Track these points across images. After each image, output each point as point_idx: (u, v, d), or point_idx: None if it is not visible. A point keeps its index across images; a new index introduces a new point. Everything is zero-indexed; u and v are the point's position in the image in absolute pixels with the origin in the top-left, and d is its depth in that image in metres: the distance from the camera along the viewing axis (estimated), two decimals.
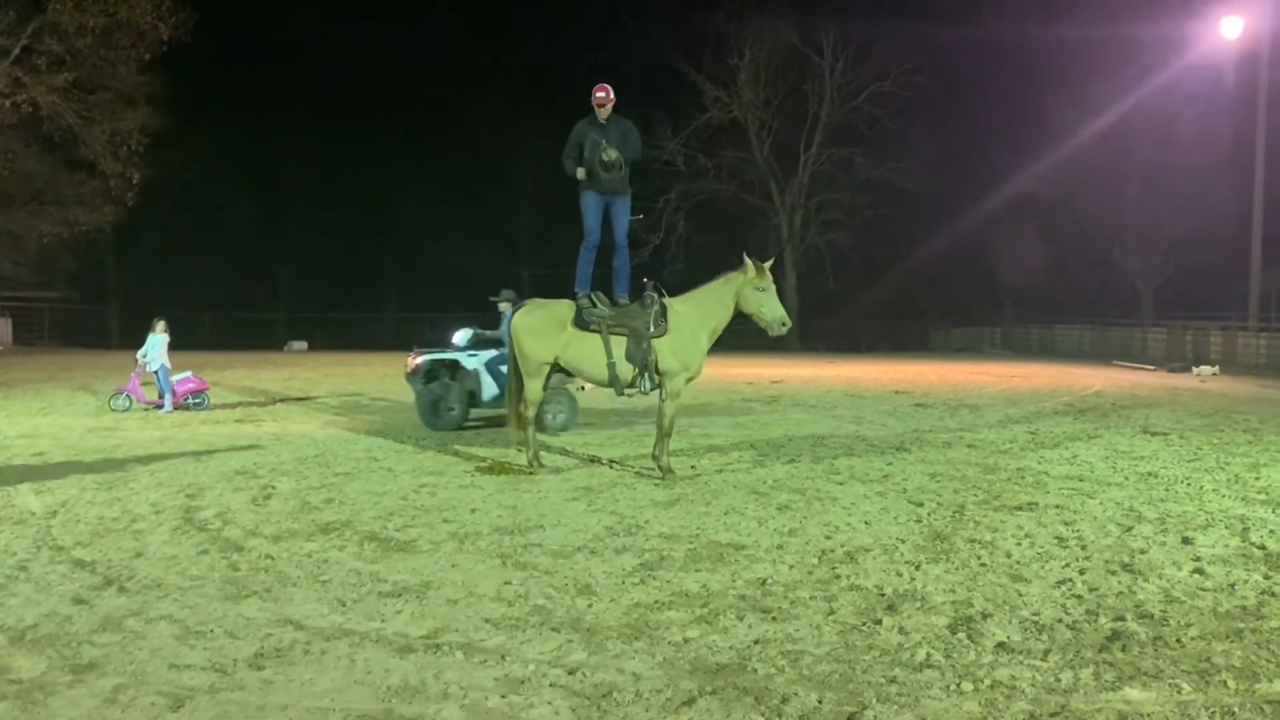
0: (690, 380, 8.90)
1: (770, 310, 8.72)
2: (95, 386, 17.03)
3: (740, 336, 18.71)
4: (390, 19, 55.11)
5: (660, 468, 8.67)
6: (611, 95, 8.71)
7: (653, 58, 40.25)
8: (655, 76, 40.01)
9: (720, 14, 40.56)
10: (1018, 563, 5.81)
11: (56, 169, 30.86)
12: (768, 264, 8.88)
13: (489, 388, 11.91)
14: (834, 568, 5.67)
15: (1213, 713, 3.71)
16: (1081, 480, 8.57)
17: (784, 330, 8.76)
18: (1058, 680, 4.01)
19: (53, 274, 38.56)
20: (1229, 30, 28.80)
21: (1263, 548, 6.17)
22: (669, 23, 47.53)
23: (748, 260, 8.75)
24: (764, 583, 5.36)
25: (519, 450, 9.41)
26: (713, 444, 10.81)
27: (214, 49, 35.08)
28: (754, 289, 8.70)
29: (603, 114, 8.76)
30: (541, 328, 8.80)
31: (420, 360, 12.08)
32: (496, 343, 12.05)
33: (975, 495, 7.87)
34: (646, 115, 36.85)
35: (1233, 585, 5.36)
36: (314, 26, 49.77)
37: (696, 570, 5.60)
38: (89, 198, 31.11)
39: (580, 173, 8.71)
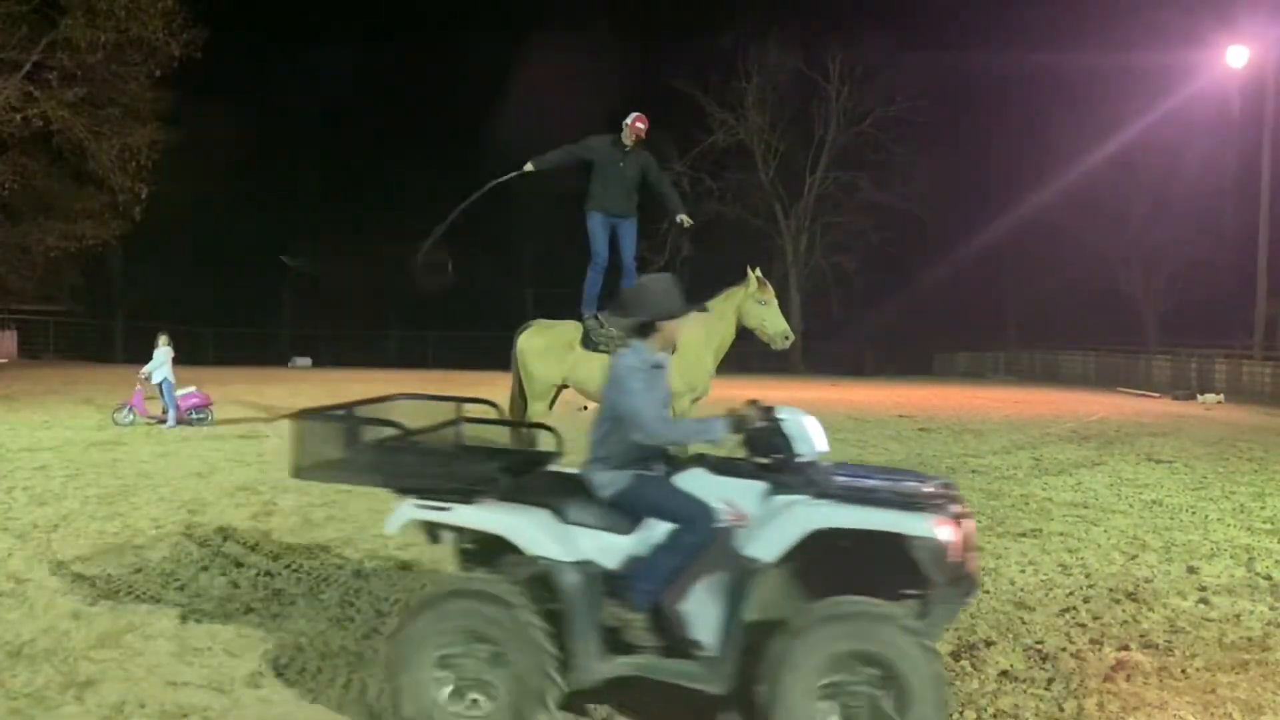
0: (696, 401, 8.86)
1: (773, 323, 8.69)
2: (99, 400, 17.02)
3: (744, 358, 18.75)
4: (397, 37, 55.64)
5: None
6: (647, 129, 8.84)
7: (659, 79, 40.51)
8: (661, 98, 40.21)
9: (728, 38, 40.88)
10: (1021, 590, 5.77)
11: (65, 183, 30.97)
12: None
13: None
14: None
15: None
16: (1086, 507, 8.53)
17: (787, 344, 8.73)
18: (1061, 710, 3.98)
19: (58, 288, 38.65)
20: (1235, 59, 28.93)
21: (1268, 578, 6.13)
22: (676, 45, 47.88)
23: (751, 273, 8.74)
24: None
25: None
26: None
27: (224, 66, 35.27)
28: (756, 302, 8.68)
29: (629, 140, 8.83)
30: (549, 349, 8.79)
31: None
32: None
33: (979, 521, 7.82)
34: (652, 137, 37.00)
35: (1238, 616, 5.32)
36: (322, 45, 50.27)
37: None
38: (97, 212, 31.21)
39: (529, 166, 8.96)
